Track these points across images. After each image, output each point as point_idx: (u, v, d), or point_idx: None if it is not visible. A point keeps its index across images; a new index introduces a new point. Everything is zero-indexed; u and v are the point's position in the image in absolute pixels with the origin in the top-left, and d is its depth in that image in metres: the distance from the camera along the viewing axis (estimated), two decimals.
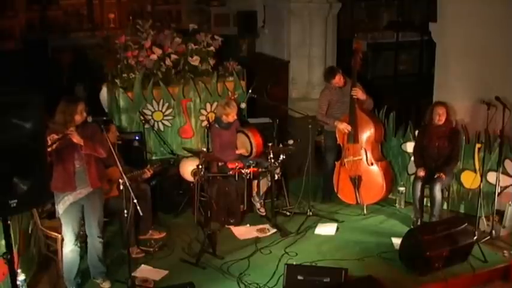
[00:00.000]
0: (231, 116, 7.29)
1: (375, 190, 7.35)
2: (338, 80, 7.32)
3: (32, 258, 5.99)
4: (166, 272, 6.07)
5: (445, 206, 7.33)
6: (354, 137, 7.28)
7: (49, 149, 5.01)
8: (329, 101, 7.43)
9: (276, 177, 7.22)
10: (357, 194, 7.36)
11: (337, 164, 7.47)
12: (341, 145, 7.44)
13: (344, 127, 7.27)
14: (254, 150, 7.11)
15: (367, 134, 7.31)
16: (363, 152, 7.32)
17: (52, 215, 5.92)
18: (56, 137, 5.10)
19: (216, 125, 7.43)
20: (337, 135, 7.42)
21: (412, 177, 7.30)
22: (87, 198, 5.49)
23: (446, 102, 7.06)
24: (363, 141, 7.31)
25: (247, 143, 7.20)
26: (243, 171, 6.92)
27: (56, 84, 10.89)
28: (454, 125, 7.11)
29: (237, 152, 7.30)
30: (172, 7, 13.39)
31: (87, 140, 5.30)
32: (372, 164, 7.31)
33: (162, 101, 8.70)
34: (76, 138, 5.23)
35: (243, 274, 6.02)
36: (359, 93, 7.24)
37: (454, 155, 6.92)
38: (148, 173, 6.55)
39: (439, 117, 6.82)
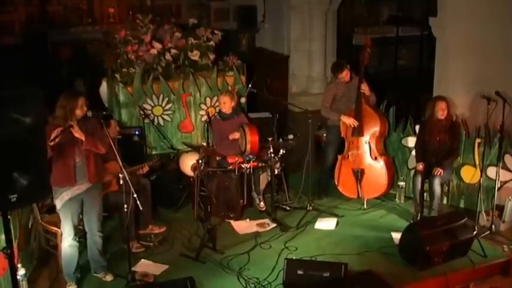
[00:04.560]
0: (223, 103, 7.33)
1: (377, 184, 7.36)
2: (345, 74, 7.33)
3: (32, 253, 6.00)
4: (166, 266, 6.08)
5: (445, 201, 7.35)
6: (359, 131, 7.29)
7: (51, 143, 5.02)
8: (334, 95, 7.43)
9: (276, 172, 7.23)
10: (359, 188, 7.36)
11: (340, 157, 7.48)
12: (345, 138, 7.44)
13: (351, 122, 7.26)
14: (248, 146, 7.07)
15: (372, 128, 7.32)
16: (367, 145, 7.33)
17: (52, 209, 5.92)
18: (59, 130, 5.10)
19: (218, 116, 7.47)
20: (341, 129, 7.42)
21: (412, 171, 7.31)
22: (86, 193, 5.49)
23: (445, 96, 7.06)
24: (368, 134, 7.32)
25: (243, 139, 7.21)
26: (242, 165, 6.92)
27: (55, 79, 10.86)
28: (454, 118, 7.11)
29: (230, 137, 7.29)
30: (172, 2, 13.32)
31: (88, 136, 5.30)
32: (375, 158, 7.33)
33: (162, 95, 8.69)
34: (78, 133, 5.23)
35: (243, 269, 6.03)
36: (366, 89, 7.27)
37: (454, 148, 6.93)
38: (145, 168, 6.55)
39: (442, 112, 6.83)
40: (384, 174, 7.34)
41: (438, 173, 6.72)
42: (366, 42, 7.52)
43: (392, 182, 7.51)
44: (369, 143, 7.34)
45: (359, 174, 7.34)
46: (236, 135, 7.26)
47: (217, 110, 8.39)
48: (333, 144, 7.62)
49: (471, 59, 7.35)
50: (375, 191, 7.41)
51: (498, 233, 6.71)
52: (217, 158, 7.26)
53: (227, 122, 7.38)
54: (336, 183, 7.55)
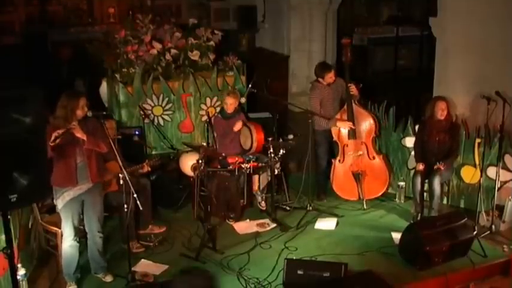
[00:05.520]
0: (229, 104, 7.33)
1: (378, 183, 7.36)
2: (333, 75, 7.30)
3: (32, 253, 6.00)
4: (166, 266, 6.08)
5: (445, 201, 7.35)
6: (354, 133, 7.27)
7: (52, 144, 5.02)
8: (321, 100, 7.38)
9: (276, 172, 7.22)
10: (360, 190, 7.34)
11: (334, 161, 7.46)
12: (337, 141, 7.42)
13: (347, 125, 7.24)
14: (254, 145, 7.12)
15: (366, 128, 7.31)
16: (363, 146, 7.32)
17: (52, 209, 5.93)
18: (60, 131, 5.10)
19: (219, 115, 7.47)
20: (333, 133, 7.39)
21: (412, 171, 7.30)
22: (87, 193, 5.49)
23: (445, 96, 7.06)
24: (363, 135, 7.32)
25: (248, 137, 7.22)
26: (243, 165, 6.92)
27: (55, 79, 10.87)
28: (454, 119, 7.11)
29: (235, 128, 7.30)
30: (172, 1, 13.34)
31: (89, 135, 5.31)
32: (373, 157, 7.32)
33: (162, 95, 8.70)
34: (79, 133, 5.24)
35: (243, 269, 6.02)
36: (354, 90, 7.25)
37: (453, 148, 6.92)
38: (146, 168, 6.55)
39: (442, 112, 6.82)
40: (384, 171, 7.35)
41: (439, 168, 6.70)
42: (345, 41, 7.50)
43: (390, 180, 7.52)
44: (365, 143, 7.34)
45: (360, 176, 7.33)
46: (239, 125, 7.28)
47: (217, 110, 8.42)
48: (323, 145, 7.55)
49: (471, 59, 7.35)
50: (377, 189, 7.40)
51: (498, 233, 6.70)
52: (221, 157, 7.23)
53: (230, 121, 7.37)
54: (333, 187, 7.53)
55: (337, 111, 7.38)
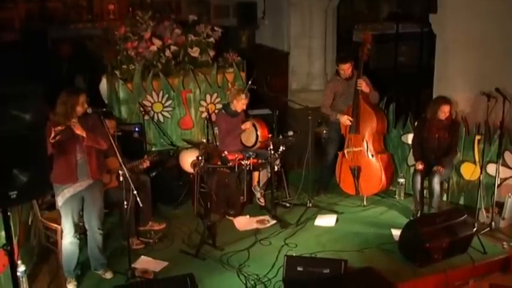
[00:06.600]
0: (241, 103, 7.27)
1: (373, 182, 7.35)
2: (347, 68, 7.28)
3: (32, 250, 6.00)
4: (166, 263, 6.08)
5: (444, 198, 7.35)
6: (355, 128, 7.28)
7: (52, 141, 5.03)
8: (334, 93, 7.41)
9: (276, 168, 7.23)
10: (356, 185, 7.36)
11: (340, 154, 7.48)
12: (344, 135, 7.44)
13: (345, 120, 7.26)
14: (259, 140, 7.14)
15: (369, 125, 7.29)
16: (364, 143, 7.32)
17: (52, 206, 5.93)
18: (60, 128, 5.11)
19: (223, 111, 7.44)
20: (341, 125, 7.42)
21: (412, 168, 7.30)
22: (88, 190, 5.49)
23: (448, 97, 7.02)
24: (365, 132, 7.30)
25: (253, 133, 7.21)
26: (242, 162, 6.91)
27: (55, 76, 10.86)
28: (454, 116, 7.11)
29: (243, 127, 7.30)
30: None
31: (89, 132, 5.31)
32: (372, 155, 7.31)
33: (161, 92, 8.69)
34: (79, 130, 5.24)
35: (243, 265, 6.03)
36: (363, 85, 7.22)
37: (452, 146, 6.92)
38: (145, 164, 6.55)
39: (445, 114, 6.81)
40: (380, 172, 7.31)
41: (438, 170, 6.71)
42: (365, 37, 7.47)
43: (391, 179, 7.51)
44: (366, 140, 7.33)
45: (356, 172, 7.34)
46: (247, 125, 7.31)
47: (217, 107, 8.40)
48: (334, 140, 7.60)
49: (471, 56, 7.35)
50: (372, 188, 7.39)
51: (498, 229, 6.71)
52: (223, 154, 7.21)
53: (235, 119, 7.35)
54: (338, 180, 7.55)
55: (347, 106, 7.39)
